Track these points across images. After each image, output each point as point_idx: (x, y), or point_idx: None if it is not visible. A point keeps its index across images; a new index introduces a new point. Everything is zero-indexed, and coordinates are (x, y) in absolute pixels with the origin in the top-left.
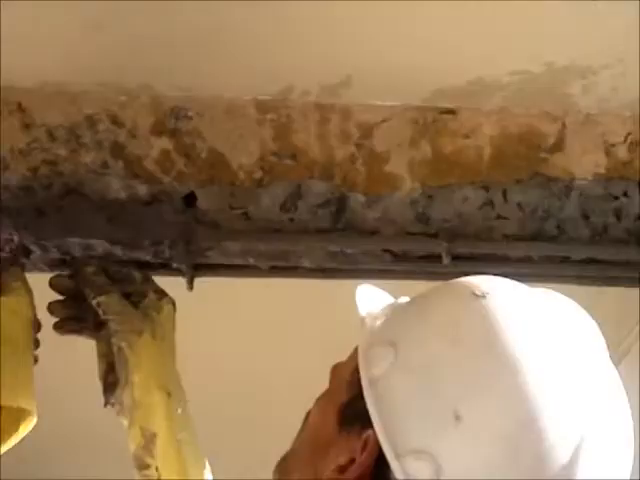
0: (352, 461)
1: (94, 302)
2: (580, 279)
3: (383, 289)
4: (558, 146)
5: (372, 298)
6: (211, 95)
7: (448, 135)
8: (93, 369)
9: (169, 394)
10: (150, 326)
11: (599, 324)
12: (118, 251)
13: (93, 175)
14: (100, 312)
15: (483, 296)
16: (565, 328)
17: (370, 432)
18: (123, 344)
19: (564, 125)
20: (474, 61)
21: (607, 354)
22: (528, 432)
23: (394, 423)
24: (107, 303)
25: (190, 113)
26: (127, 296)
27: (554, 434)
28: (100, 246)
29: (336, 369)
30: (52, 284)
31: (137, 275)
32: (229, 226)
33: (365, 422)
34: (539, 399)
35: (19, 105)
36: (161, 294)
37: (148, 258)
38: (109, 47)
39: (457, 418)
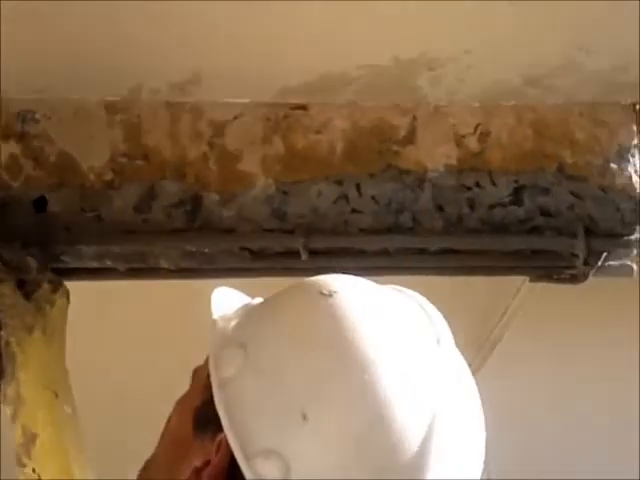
0: (207, 463)
1: None
2: (439, 270)
3: (243, 288)
4: (409, 138)
5: (228, 300)
6: (59, 97)
7: (300, 131)
8: (94, 370)
9: (56, 394)
10: (42, 321)
11: (468, 315)
12: None
13: None
14: None
15: (330, 295)
16: (409, 323)
17: (223, 435)
18: (12, 339)
19: (414, 117)
20: (322, 57)
21: (453, 344)
22: (375, 430)
23: (244, 424)
24: (0, 293)
25: (37, 116)
26: (21, 284)
27: (401, 428)
28: None
29: (195, 370)
30: None
31: (32, 263)
32: (82, 229)
33: (218, 425)
34: (384, 395)
35: None
36: (56, 284)
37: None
38: None
39: (304, 418)
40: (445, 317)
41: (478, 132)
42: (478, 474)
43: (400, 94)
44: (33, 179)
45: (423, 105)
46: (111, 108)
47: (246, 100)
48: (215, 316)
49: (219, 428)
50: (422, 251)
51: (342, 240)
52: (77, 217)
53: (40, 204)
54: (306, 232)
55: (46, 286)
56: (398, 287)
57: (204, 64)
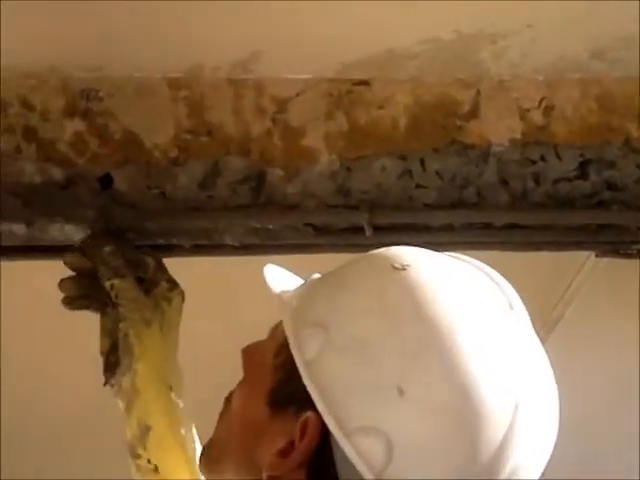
0: (291, 444)
1: (108, 284)
2: (503, 245)
3: (307, 263)
4: (473, 113)
5: (281, 277)
6: (122, 75)
7: (363, 106)
8: (96, 373)
9: (170, 388)
10: (159, 317)
11: (531, 290)
12: (37, 235)
13: (6, 159)
14: (112, 295)
15: (403, 268)
16: (483, 290)
17: (309, 414)
18: (131, 332)
19: (478, 92)
20: (384, 31)
21: (528, 318)
22: (468, 398)
23: (337, 403)
24: (121, 287)
25: (101, 94)
26: (140, 281)
27: (492, 398)
28: (19, 231)
29: (251, 352)
30: (66, 262)
31: (150, 261)
32: (147, 206)
33: (301, 404)
34: (474, 365)
35: None
36: (173, 284)
37: (68, 242)
38: (15, 31)
39: (400, 392)
40: None
41: (543, 106)
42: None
43: (463, 69)
44: (99, 156)
45: (486, 79)
46: (174, 85)
47: (308, 76)
48: (276, 291)
49: (301, 407)
50: (487, 226)
51: (406, 216)
52: (142, 194)
53: (106, 181)
54: (370, 208)
55: (164, 284)
56: (461, 255)
57: (265, 41)
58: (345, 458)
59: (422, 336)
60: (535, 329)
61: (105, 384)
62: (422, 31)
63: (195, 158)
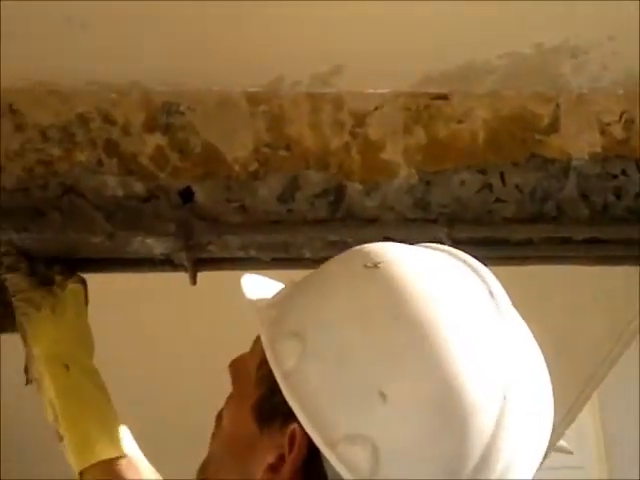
0: (281, 457)
1: (3, 281)
2: (582, 260)
3: None
4: (553, 127)
5: (260, 286)
6: (202, 89)
7: (441, 120)
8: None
9: (67, 366)
10: (51, 301)
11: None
12: (118, 248)
13: (88, 173)
14: (10, 292)
15: (376, 266)
16: (465, 284)
17: (295, 425)
18: (23, 318)
19: (558, 105)
20: (463, 45)
21: (510, 304)
22: (452, 393)
23: (319, 413)
24: (13, 281)
25: (182, 108)
26: (33, 273)
27: (477, 391)
28: (100, 243)
29: (237, 365)
30: None
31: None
32: (227, 219)
33: (285, 417)
34: (455, 357)
35: (10, 107)
36: (68, 275)
37: (148, 254)
38: (97, 46)
39: (382, 396)
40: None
41: (623, 120)
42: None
43: (542, 82)
44: (179, 170)
45: (566, 93)
46: (253, 99)
47: (386, 90)
48: (252, 302)
49: (287, 419)
50: (567, 240)
51: (486, 229)
52: (222, 207)
53: (186, 195)
54: (449, 222)
55: (58, 277)
56: (437, 245)
57: (345, 55)
58: (335, 469)
59: (400, 336)
60: (611, 342)
61: (27, 383)
62: (502, 45)
63: (274, 172)
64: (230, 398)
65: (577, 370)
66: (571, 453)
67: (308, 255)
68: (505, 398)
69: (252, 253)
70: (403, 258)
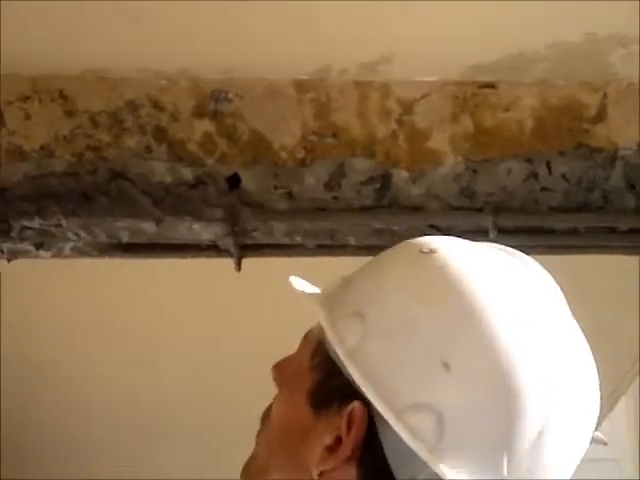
0: (338, 439)
1: None
2: (629, 249)
3: None
4: (600, 116)
5: (304, 284)
6: (250, 77)
7: (488, 109)
8: (100, 380)
9: None
10: None
11: None
12: (166, 233)
13: (137, 159)
14: None
15: (431, 252)
16: (520, 278)
17: (354, 404)
18: None
19: (605, 95)
20: (512, 34)
21: (567, 308)
22: (512, 361)
23: (384, 386)
24: None
25: (230, 95)
26: None
27: (532, 357)
28: (148, 229)
29: (283, 365)
30: None
31: None
32: (273, 206)
33: (343, 398)
34: (512, 325)
35: (61, 92)
36: None
37: (195, 240)
38: (148, 34)
39: (446, 366)
40: (625, 297)
41: None
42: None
43: (591, 72)
44: (227, 156)
45: (614, 83)
46: (301, 87)
47: (434, 78)
48: (308, 291)
49: (344, 400)
50: (612, 230)
51: (531, 218)
52: (269, 194)
53: (234, 181)
54: (495, 210)
55: None
56: (496, 244)
57: (393, 44)
58: (397, 442)
59: (458, 311)
60: None
61: None
62: (552, 34)
63: (321, 159)
64: (278, 395)
65: (615, 362)
66: (605, 444)
67: (353, 242)
68: (554, 404)
69: (297, 240)
70: (459, 247)
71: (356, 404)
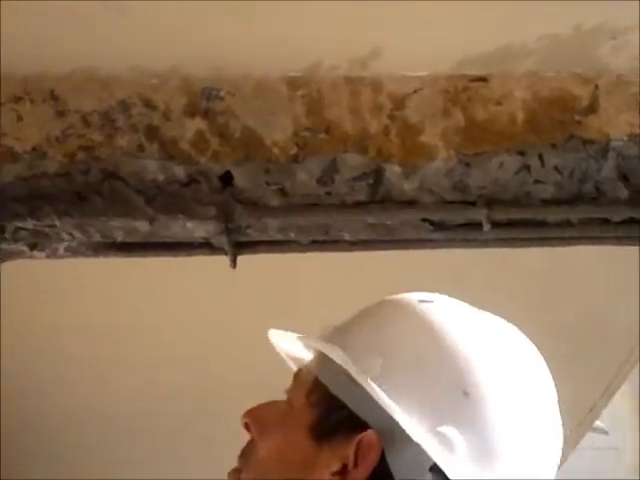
0: (344, 467)
1: None
2: (622, 240)
3: (424, 258)
4: (592, 108)
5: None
6: (241, 74)
7: (480, 102)
8: (100, 380)
9: None
10: None
11: None
12: (159, 232)
13: (129, 158)
14: None
15: (430, 301)
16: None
17: (365, 433)
18: None
19: (596, 87)
20: (502, 27)
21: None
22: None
23: (410, 410)
24: None
25: (221, 93)
26: None
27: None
28: (142, 228)
29: (260, 411)
30: None
31: None
32: (266, 203)
33: (349, 428)
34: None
35: (52, 93)
36: None
37: (189, 238)
38: (138, 32)
39: (465, 394)
40: (621, 287)
41: None
42: None
43: (581, 64)
44: (219, 154)
45: (605, 74)
46: (292, 84)
47: (425, 73)
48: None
49: (352, 430)
50: (605, 221)
51: (524, 211)
52: (262, 191)
53: (226, 179)
54: (488, 203)
55: None
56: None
57: (383, 39)
58: (407, 470)
59: (474, 351)
60: None
61: None
62: (541, 27)
63: (313, 155)
64: (271, 431)
65: (614, 351)
66: (606, 433)
67: (347, 238)
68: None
69: (291, 236)
70: (448, 301)
71: (370, 432)
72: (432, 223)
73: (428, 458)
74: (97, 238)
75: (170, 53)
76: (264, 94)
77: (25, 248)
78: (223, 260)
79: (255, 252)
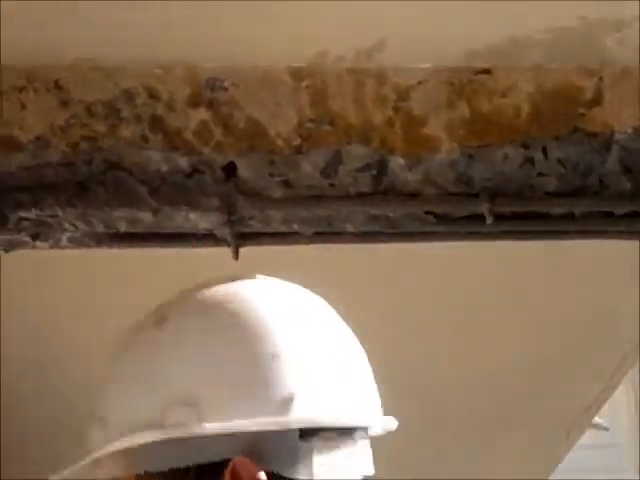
0: None
1: None
2: (623, 234)
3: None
4: (596, 100)
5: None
6: (246, 65)
7: (485, 94)
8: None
9: None
10: None
11: None
12: (162, 223)
13: (133, 149)
14: None
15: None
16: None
17: (235, 460)
18: None
19: (601, 79)
20: (507, 19)
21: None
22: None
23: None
24: None
25: (226, 84)
26: None
27: None
28: (145, 218)
29: None
30: None
31: None
32: (270, 194)
33: (208, 473)
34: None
35: (56, 82)
36: None
37: (192, 229)
38: (142, 21)
39: (274, 356)
40: (623, 281)
41: None
42: None
43: (586, 56)
44: (223, 145)
45: (610, 66)
46: (297, 75)
47: (429, 65)
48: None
49: (213, 473)
50: (609, 215)
51: (528, 204)
52: (266, 182)
53: (230, 170)
54: (491, 196)
55: None
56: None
57: (389, 30)
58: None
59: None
60: None
61: None
62: (546, 19)
63: (317, 146)
64: None
65: (614, 346)
66: (606, 430)
67: (350, 229)
68: None
69: (294, 227)
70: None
71: (235, 459)
72: (435, 215)
73: (289, 436)
74: (100, 229)
75: (175, 43)
76: (268, 85)
77: (28, 238)
78: (226, 251)
79: (258, 244)
